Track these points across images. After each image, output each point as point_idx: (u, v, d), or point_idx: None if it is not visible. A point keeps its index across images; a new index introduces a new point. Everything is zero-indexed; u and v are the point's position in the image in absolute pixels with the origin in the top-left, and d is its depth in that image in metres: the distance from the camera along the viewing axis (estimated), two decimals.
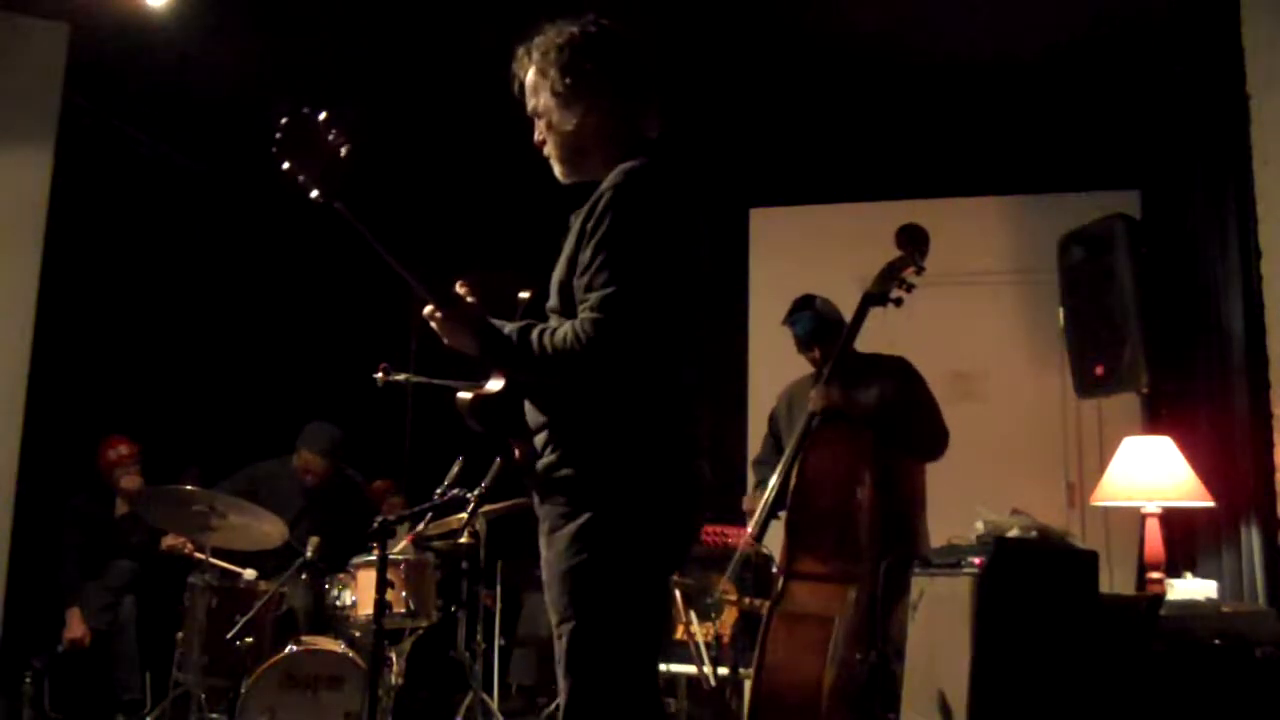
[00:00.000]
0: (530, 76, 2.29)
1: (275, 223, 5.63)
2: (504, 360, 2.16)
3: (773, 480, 3.60)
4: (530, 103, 2.31)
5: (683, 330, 2.17)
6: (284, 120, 2.03)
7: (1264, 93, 3.74)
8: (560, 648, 2.10)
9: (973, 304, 5.56)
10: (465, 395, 2.21)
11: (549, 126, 2.28)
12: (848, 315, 3.70)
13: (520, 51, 2.30)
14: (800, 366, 3.88)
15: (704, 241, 2.22)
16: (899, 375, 3.67)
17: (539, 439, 2.17)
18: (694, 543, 2.36)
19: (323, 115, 2.06)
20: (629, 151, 2.20)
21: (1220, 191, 4.09)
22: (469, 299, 2.18)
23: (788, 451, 3.60)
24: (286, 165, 2.03)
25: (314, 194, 2.04)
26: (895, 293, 3.63)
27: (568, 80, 2.22)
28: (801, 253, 5.67)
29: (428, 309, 2.15)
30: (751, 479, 4.08)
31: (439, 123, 5.66)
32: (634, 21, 2.34)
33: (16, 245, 4.54)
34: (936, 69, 5.03)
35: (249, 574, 4.46)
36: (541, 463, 2.15)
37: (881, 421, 3.50)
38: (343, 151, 2.06)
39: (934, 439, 3.61)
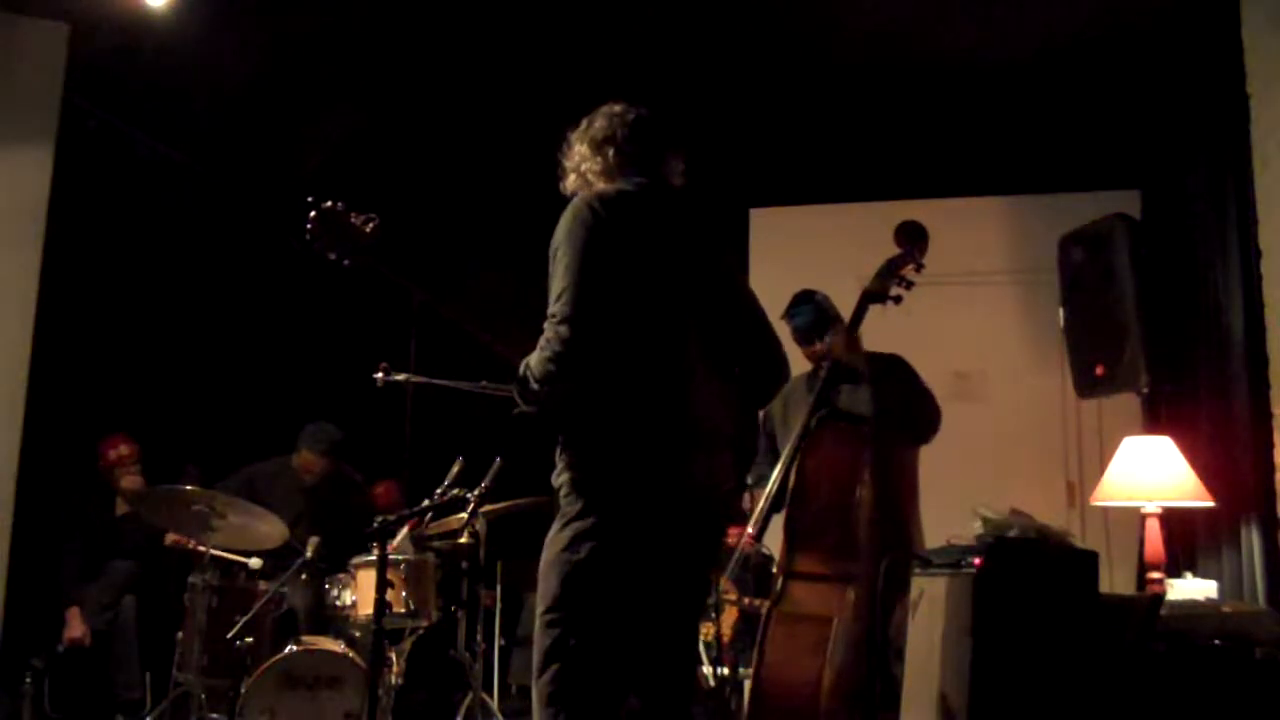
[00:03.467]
0: (575, 134, 2.68)
1: (275, 223, 5.63)
2: (530, 402, 2.44)
3: (772, 479, 3.60)
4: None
5: (651, 330, 2.41)
6: (312, 214, 2.37)
7: (1264, 93, 3.74)
8: (537, 627, 2.36)
9: (973, 304, 5.56)
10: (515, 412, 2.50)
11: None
12: (847, 315, 3.69)
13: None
14: (800, 365, 3.88)
15: (670, 247, 2.51)
16: (894, 371, 3.67)
17: (557, 450, 2.44)
18: (704, 544, 2.51)
19: (340, 205, 2.40)
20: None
21: (1220, 192, 4.09)
22: None
23: (786, 450, 3.60)
24: (318, 250, 2.39)
25: (346, 264, 2.41)
26: (895, 290, 3.62)
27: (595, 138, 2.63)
28: (801, 253, 5.67)
29: None
30: (752, 480, 4.07)
31: (439, 123, 5.65)
32: (633, 25, 2.41)
33: (16, 245, 4.54)
34: (936, 69, 5.02)
35: (254, 562, 4.45)
36: (554, 473, 2.43)
37: (881, 415, 3.50)
38: (369, 229, 2.40)
39: (929, 418, 3.62)
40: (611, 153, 2.58)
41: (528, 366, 2.37)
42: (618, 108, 2.64)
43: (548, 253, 2.42)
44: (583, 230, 2.38)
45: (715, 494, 2.47)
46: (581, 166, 2.61)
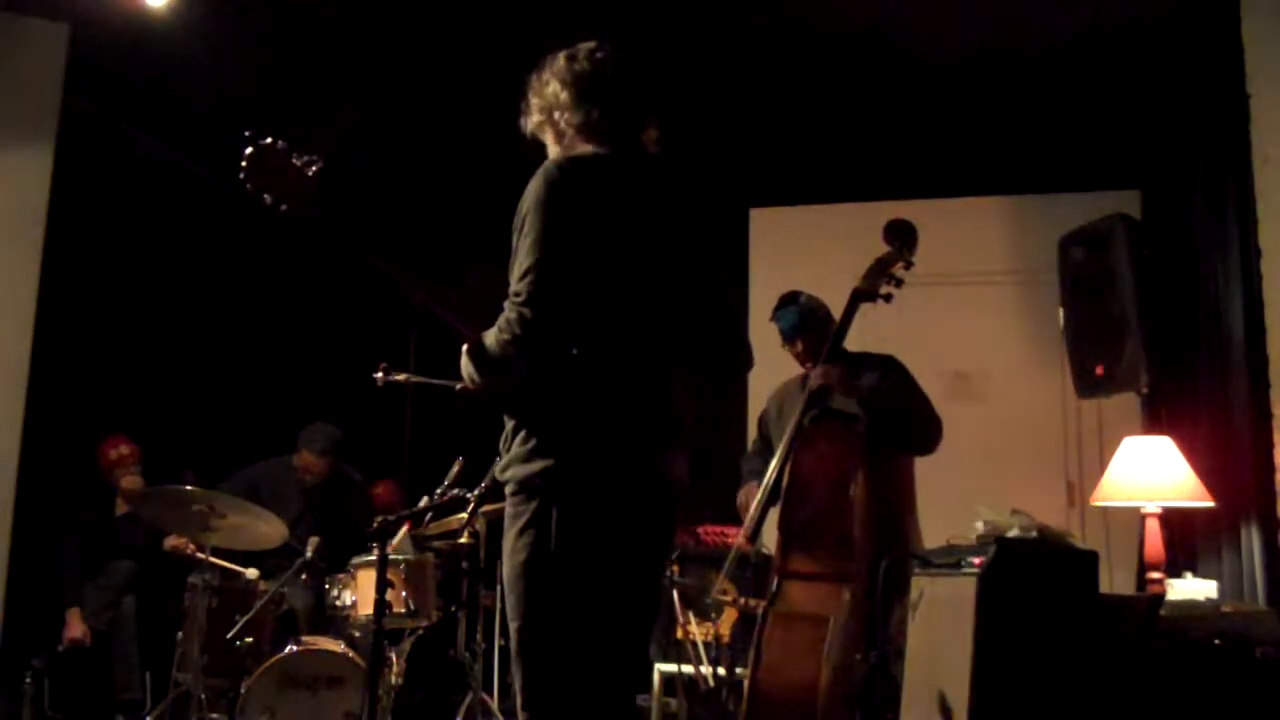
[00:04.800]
0: (534, 85, 2.43)
1: (275, 223, 5.63)
2: (486, 371, 2.24)
3: (765, 478, 3.60)
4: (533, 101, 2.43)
5: (620, 310, 2.22)
6: (248, 150, 2.18)
7: (1264, 93, 3.74)
8: (513, 642, 2.19)
9: (973, 304, 5.56)
10: (458, 386, 2.31)
11: (544, 129, 2.41)
12: (840, 316, 3.68)
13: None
14: (798, 367, 3.88)
15: (645, 224, 2.29)
16: (887, 367, 3.68)
17: (501, 441, 2.26)
18: (661, 539, 2.35)
19: (282, 144, 2.20)
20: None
21: (1220, 191, 4.09)
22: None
23: (780, 449, 3.59)
24: (254, 189, 2.18)
25: (284, 209, 2.19)
26: (884, 289, 3.61)
27: (559, 87, 2.37)
28: (801, 253, 5.66)
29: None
30: (744, 475, 4.06)
31: (438, 123, 5.65)
32: (633, 25, 2.36)
33: (16, 245, 4.54)
34: (936, 68, 5.02)
35: (250, 573, 4.45)
36: (498, 464, 2.24)
37: (875, 412, 3.50)
38: (312, 172, 2.18)
39: (928, 425, 3.60)
40: (594, 110, 2.33)
41: (483, 344, 2.18)
42: (604, 53, 2.39)
43: (514, 217, 2.22)
44: (556, 200, 2.17)
45: (678, 491, 2.31)
46: (557, 116, 2.36)
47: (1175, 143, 4.67)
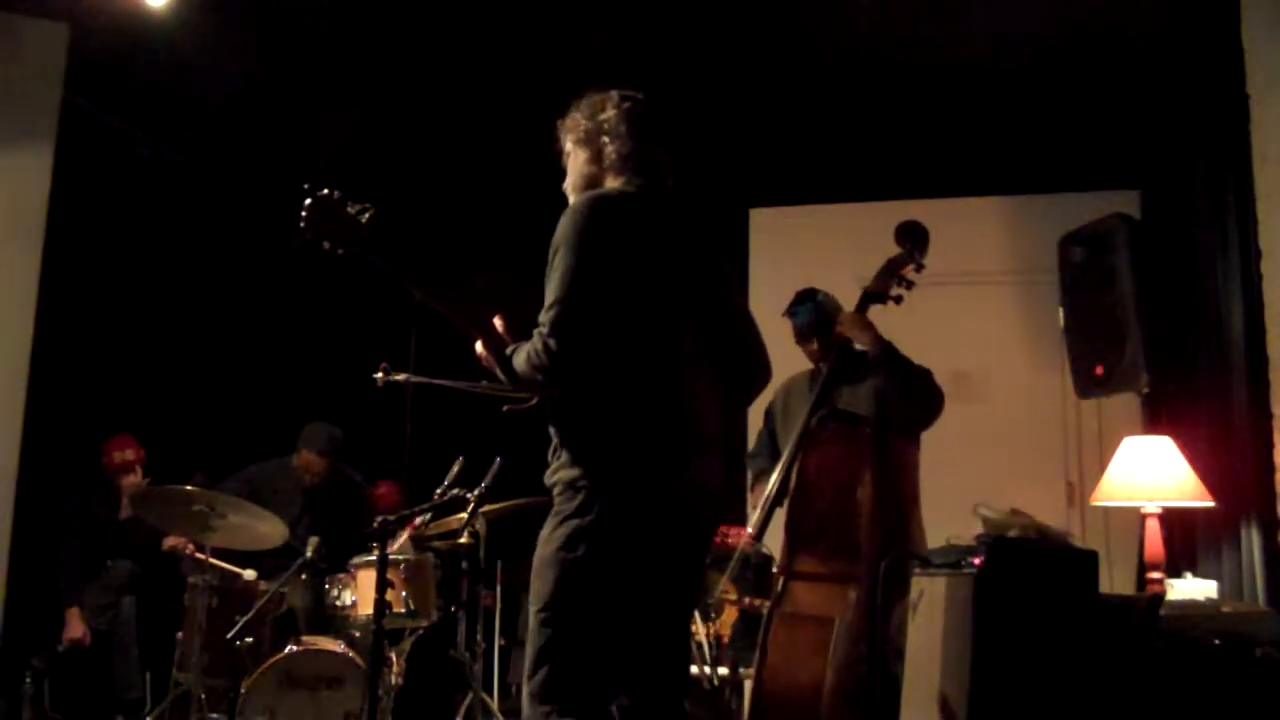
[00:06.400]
0: (566, 123, 2.64)
1: (275, 223, 5.63)
2: (514, 383, 2.44)
3: (772, 479, 3.60)
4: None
5: (651, 334, 2.40)
6: (307, 202, 2.38)
7: (1264, 93, 3.73)
8: (531, 626, 2.35)
9: (973, 304, 5.56)
10: (505, 409, 2.52)
11: (569, 164, 2.63)
12: None
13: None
14: (800, 363, 3.88)
15: (670, 250, 2.49)
16: (889, 367, 3.67)
17: (550, 450, 2.42)
18: (697, 545, 2.50)
19: (337, 194, 2.41)
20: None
21: (1220, 192, 4.09)
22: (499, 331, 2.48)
23: (787, 450, 3.60)
24: (313, 238, 2.39)
25: (340, 253, 2.40)
26: (895, 290, 3.62)
27: (588, 125, 2.58)
28: (801, 252, 5.67)
29: (479, 347, 2.48)
30: (750, 475, 4.07)
31: (438, 123, 5.65)
32: (633, 24, 2.39)
33: (16, 245, 4.54)
34: (937, 69, 5.02)
35: (249, 574, 4.46)
36: (547, 472, 2.41)
37: (881, 412, 3.50)
38: (365, 219, 2.39)
39: (929, 396, 3.59)
40: (613, 149, 2.53)
41: (515, 360, 2.38)
42: (616, 99, 2.58)
43: (548, 252, 2.39)
44: (587, 237, 2.35)
45: (709, 495, 2.47)
46: (604, 140, 2.55)
47: (1175, 143, 4.66)
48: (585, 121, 2.58)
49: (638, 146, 2.53)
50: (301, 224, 2.36)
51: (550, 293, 2.33)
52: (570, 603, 2.30)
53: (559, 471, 2.37)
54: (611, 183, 2.54)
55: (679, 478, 2.38)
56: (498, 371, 2.45)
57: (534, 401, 2.46)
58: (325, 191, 2.37)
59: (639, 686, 2.40)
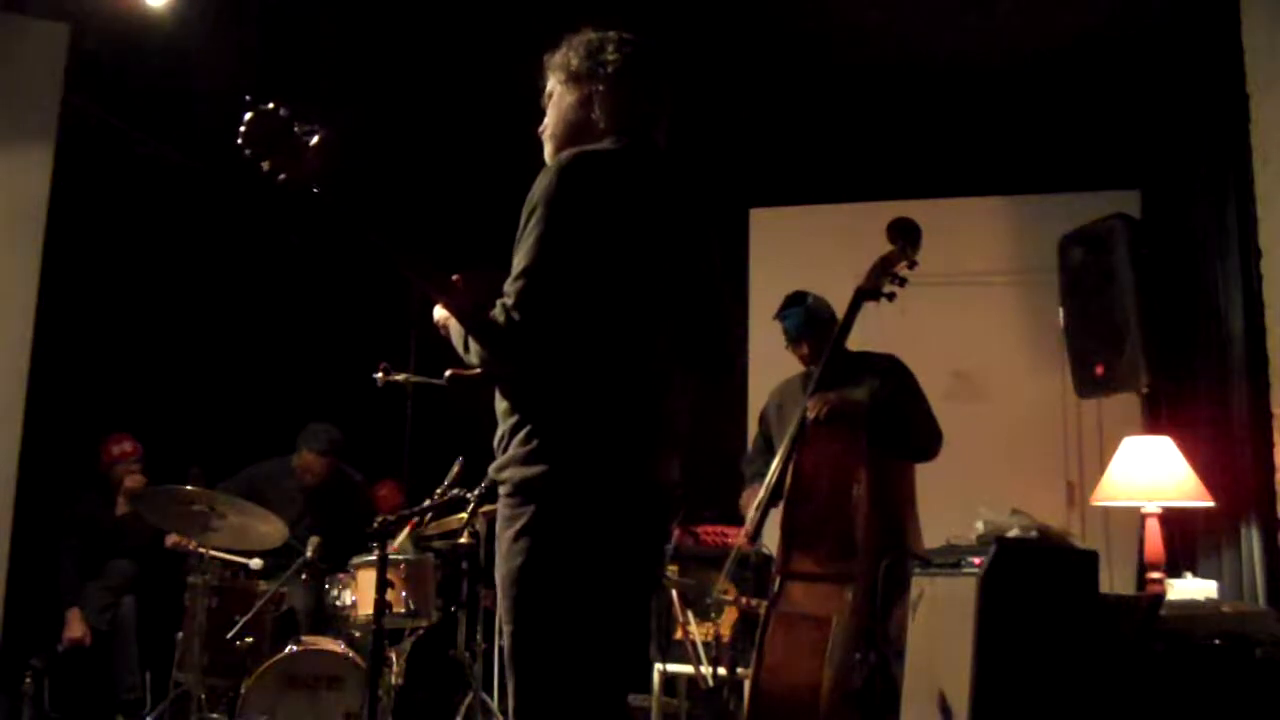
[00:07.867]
0: (555, 59, 2.35)
1: (275, 222, 5.63)
2: (464, 352, 2.17)
3: (767, 479, 3.60)
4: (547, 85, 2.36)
5: (627, 318, 2.15)
6: (248, 115, 2.06)
7: (1264, 93, 3.73)
8: (510, 648, 2.11)
9: (973, 304, 5.56)
10: (449, 372, 2.19)
11: (552, 105, 2.33)
12: (843, 314, 3.68)
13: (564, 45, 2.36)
14: (798, 366, 3.88)
15: (656, 223, 2.22)
16: (889, 372, 3.67)
17: (496, 441, 2.18)
18: (657, 544, 2.32)
19: (284, 111, 2.08)
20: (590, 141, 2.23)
21: (1220, 191, 4.09)
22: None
23: (781, 451, 3.60)
24: (252, 156, 2.05)
25: (282, 179, 2.05)
26: (888, 288, 3.61)
27: (582, 66, 2.29)
28: (801, 253, 5.66)
29: (438, 312, 2.22)
30: (747, 477, 4.07)
31: (438, 121, 5.65)
32: (633, 24, 2.34)
33: (16, 245, 4.54)
34: (937, 69, 5.02)
35: (255, 563, 4.45)
36: (493, 465, 2.17)
37: (874, 418, 3.49)
38: (313, 141, 2.05)
39: (928, 436, 3.59)
40: (606, 97, 2.26)
41: (479, 331, 2.09)
42: (617, 40, 2.31)
43: (521, 211, 2.12)
44: (566, 198, 2.08)
45: (673, 498, 2.25)
46: (566, 106, 2.29)
47: (1175, 143, 4.67)
48: (578, 61, 2.29)
49: (634, 98, 2.27)
50: (239, 140, 2.04)
51: (519, 260, 2.07)
52: (539, 620, 2.08)
53: (510, 468, 2.11)
54: (598, 136, 2.25)
55: (647, 483, 2.16)
56: (453, 338, 2.18)
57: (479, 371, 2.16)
58: (270, 105, 2.06)
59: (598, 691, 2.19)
